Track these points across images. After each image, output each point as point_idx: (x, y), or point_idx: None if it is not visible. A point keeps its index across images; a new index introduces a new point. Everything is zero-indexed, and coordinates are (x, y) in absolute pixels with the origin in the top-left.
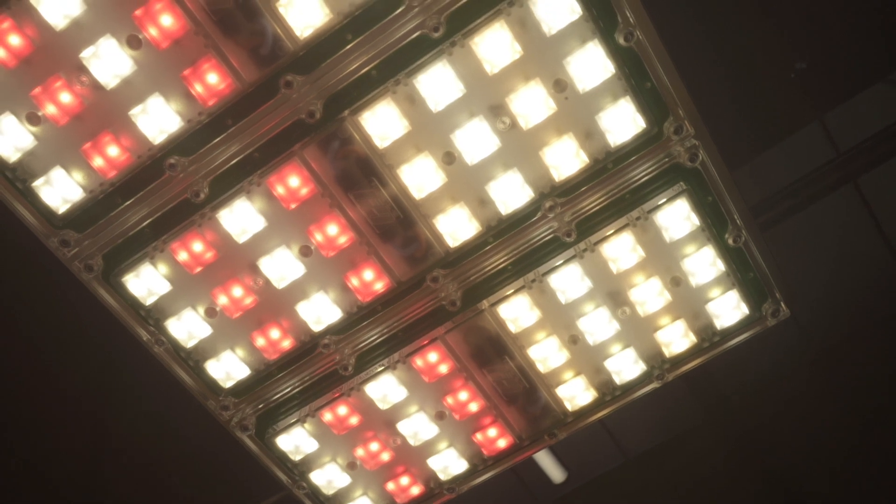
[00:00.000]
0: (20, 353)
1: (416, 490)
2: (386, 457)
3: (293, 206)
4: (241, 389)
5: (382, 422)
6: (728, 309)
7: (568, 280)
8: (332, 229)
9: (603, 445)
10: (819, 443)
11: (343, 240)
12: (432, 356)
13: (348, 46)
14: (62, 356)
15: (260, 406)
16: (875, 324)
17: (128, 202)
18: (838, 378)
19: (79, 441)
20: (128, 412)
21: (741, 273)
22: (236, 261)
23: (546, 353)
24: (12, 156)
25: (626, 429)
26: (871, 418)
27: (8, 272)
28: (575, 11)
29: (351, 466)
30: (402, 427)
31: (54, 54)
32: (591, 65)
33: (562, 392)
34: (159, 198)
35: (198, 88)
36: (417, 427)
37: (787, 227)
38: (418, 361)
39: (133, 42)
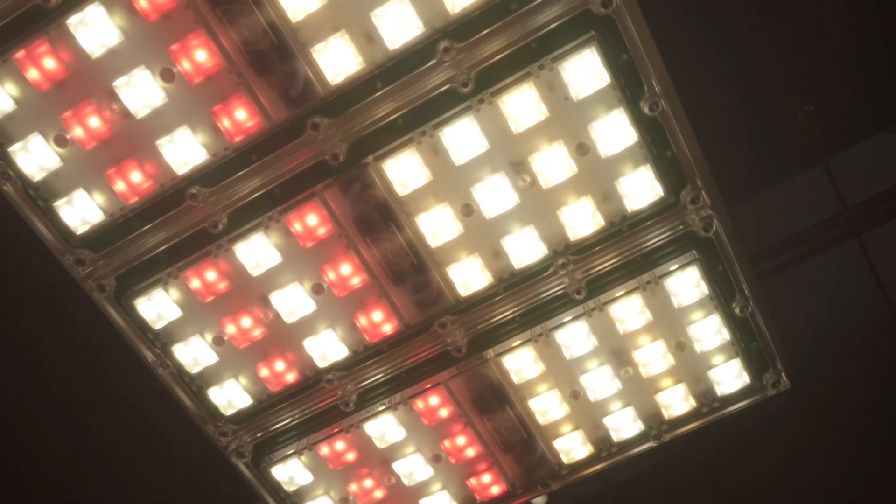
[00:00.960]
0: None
1: None
2: (379, 494)
3: (309, 244)
4: (241, 417)
5: (378, 460)
6: (730, 377)
7: (574, 336)
8: (346, 269)
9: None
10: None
11: (356, 281)
12: (434, 400)
13: (377, 94)
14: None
15: (258, 434)
16: (868, 377)
17: (146, 227)
18: (829, 428)
19: (60, 441)
20: (112, 413)
21: (745, 342)
22: (248, 293)
23: (546, 406)
24: (36, 174)
25: None
26: (860, 466)
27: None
28: (603, 79)
29: (343, 501)
30: (398, 466)
31: (87, 80)
32: (615, 131)
33: (559, 445)
34: (177, 225)
35: (226, 123)
36: (413, 468)
37: (786, 275)
38: (419, 404)
39: (166, 75)
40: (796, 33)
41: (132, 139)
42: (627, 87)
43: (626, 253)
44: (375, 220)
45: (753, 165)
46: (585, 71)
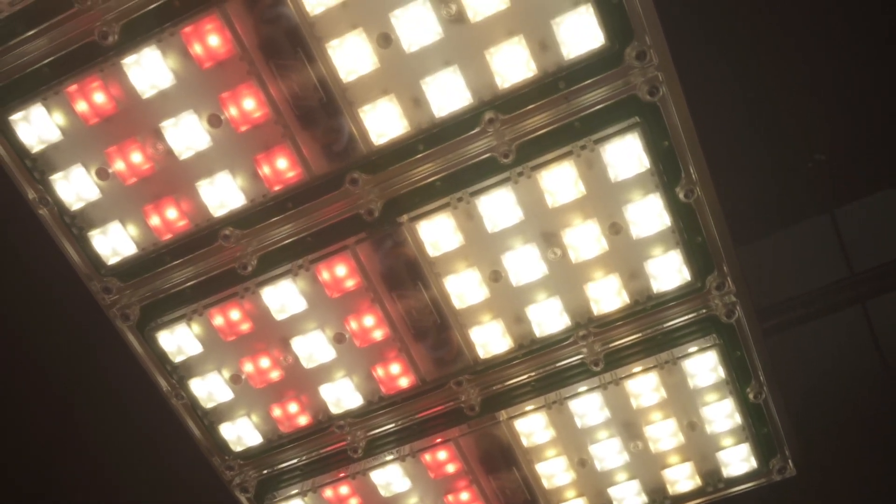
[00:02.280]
0: None
1: None
2: None
3: (336, 294)
4: (249, 454)
5: None
6: (737, 460)
7: (588, 407)
8: (369, 321)
9: None
10: None
11: (378, 333)
12: (442, 454)
13: (418, 156)
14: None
15: (264, 472)
16: (860, 444)
17: (175, 262)
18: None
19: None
20: (99, 405)
21: (756, 427)
22: (270, 335)
23: (553, 471)
24: (74, 203)
25: None
26: None
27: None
28: (643, 164)
29: None
30: None
31: (135, 119)
32: (649, 214)
33: None
34: (207, 263)
35: (266, 171)
36: None
37: (783, 336)
38: (427, 457)
39: (213, 120)
40: (812, 83)
41: (173, 178)
42: (665, 172)
43: (647, 330)
44: (403, 277)
45: (759, 209)
46: (626, 155)
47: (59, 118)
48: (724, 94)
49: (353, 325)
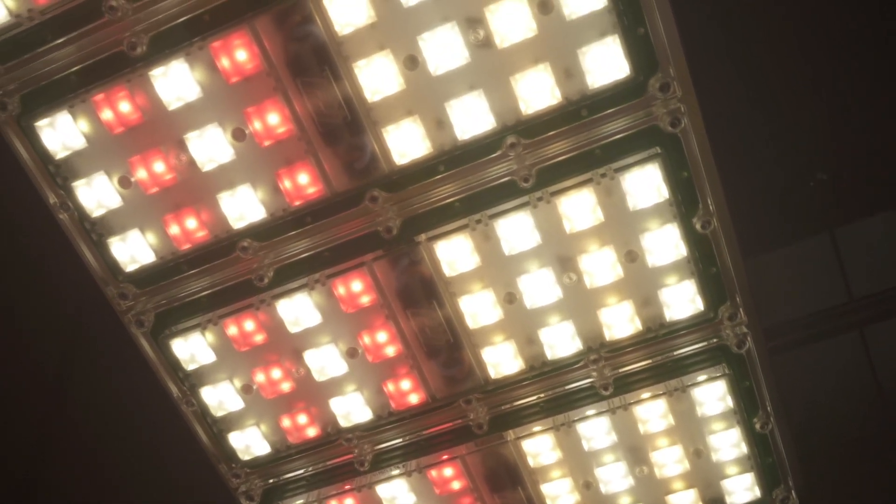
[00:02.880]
0: None
1: None
2: None
3: (351, 309)
4: (257, 463)
5: None
6: (741, 489)
7: (596, 430)
8: (382, 337)
9: None
10: None
11: (390, 350)
12: (448, 471)
13: (438, 176)
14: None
15: (270, 481)
16: (853, 469)
17: (192, 271)
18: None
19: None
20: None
21: (761, 457)
22: (283, 347)
23: (558, 492)
24: (95, 210)
25: None
26: None
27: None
28: (662, 194)
29: None
30: None
31: (160, 129)
32: (666, 244)
33: None
34: (224, 274)
35: (287, 186)
36: None
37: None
38: (433, 473)
39: (238, 134)
40: (819, 105)
41: (194, 189)
42: (684, 203)
43: (658, 357)
44: (418, 296)
45: (760, 226)
46: (646, 184)
47: (84, 126)
48: (730, 108)
49: (367, 340)
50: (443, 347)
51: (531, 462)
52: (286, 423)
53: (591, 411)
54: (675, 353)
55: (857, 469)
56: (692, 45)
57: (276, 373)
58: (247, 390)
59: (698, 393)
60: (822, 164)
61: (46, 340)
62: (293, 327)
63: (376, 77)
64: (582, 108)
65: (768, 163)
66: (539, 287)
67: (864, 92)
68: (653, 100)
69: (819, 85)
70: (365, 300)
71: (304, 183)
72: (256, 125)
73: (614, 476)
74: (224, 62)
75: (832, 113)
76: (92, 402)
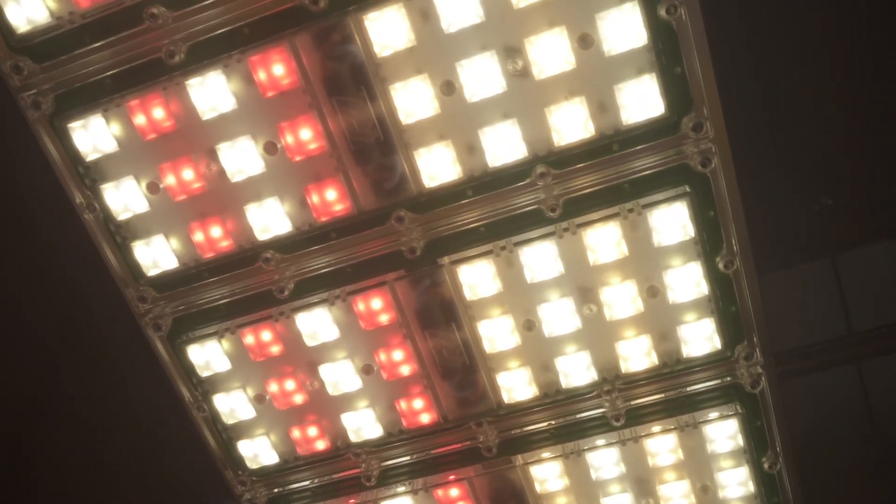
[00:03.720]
0: None
1: None
2: None
3: (369, 327)
4: (264, 472)
5: None
6: None
7: (604, 461)
8: (398, 356)
9: None
10: None
11: (406, 369)
12: (454, 492)
13: (466, 201)
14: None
15: (275, 490)
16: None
17: (213, 279)
18: None
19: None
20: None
21: (767, 496)
22: (299, 360)
23: None
24: (121, 213)
25: None
26: None
27: None
28: (688, 233)
29: None
30: None
31: (192, 138)
32: (688, 282)
33: None
34: (244, 283)
35: (315, 201)
36: None
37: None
38: (439, 493)
39: (270, 147)
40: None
41: (222, 199)
42: (708, 241)
43: (671, 392)
44: (437, 317)
45: (761, 245)
46: (672, 222)
47: (116, 130)
48: (746, 130)
49: (383, 357)
50: (458, 369)
51: (538, 488)
52: (296, 434)
53: (601, 441)
54: (689, 388)
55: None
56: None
57: (290, 384)
58: (259, 400)
59: (709, 430)
60: (829, 189)
61: (58, 333)
62: (310, 341)
63: (412, 100)
64: (614, 143)
65: (776, 184)
66: (559, 316)
67: (878, 119)
68: (685, 138)
69: (836, 109)
70: (384, 318)
71: (331, 199)
72: (289, 139)
73: None
74: (261, 76)
75: (846, 138)
76: (100, 401)
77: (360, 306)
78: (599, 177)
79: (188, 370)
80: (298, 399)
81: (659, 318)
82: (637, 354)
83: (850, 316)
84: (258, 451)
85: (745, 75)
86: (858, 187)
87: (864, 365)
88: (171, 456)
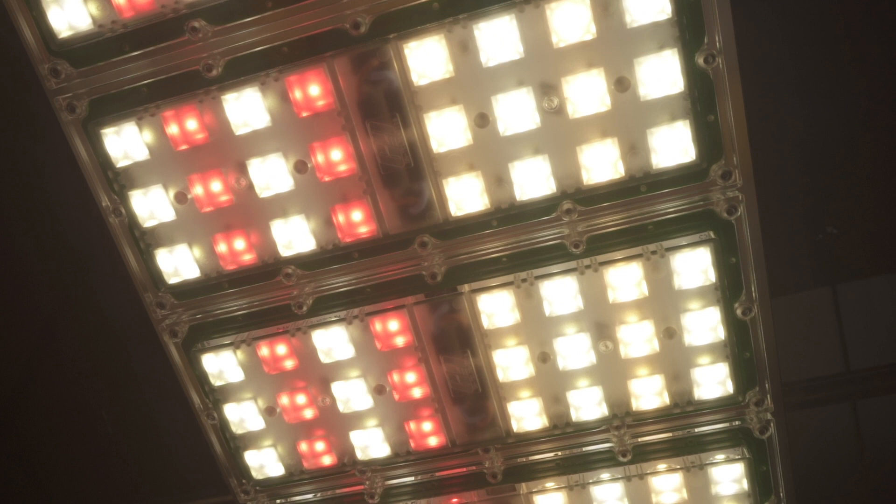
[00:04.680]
0: None
1: None
2: None
3: (385, 348)
4: (268, 484)
5: None
6: None
7: (608, 495)
8: (411, 378)
9: None
10: None
11: (418, 391)
12: None
13: (490, 231)
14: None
15: (278, 501)
16: None
17: (233, 290)
18: None
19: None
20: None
21: None
22: (312, 375)
23: None
24: (147, 220)
25: None
26: None
27: None
28: (709, 278)
29: None
30: None
31: (223, 151)
32: (705, 326)
33: None
34: (263, 297)
35: (341, 221)
36: None
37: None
38: None
39: (300, 166)
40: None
41: (248, 213)
42: (728, 287)
43: (679, 431)
44: (453, 343)
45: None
46: (694, 266)
47: (148, 138)
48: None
49: (396, 378)
50: (470, 395)
51: None
52: (303, 447)
53: (606, 475)
54: (697, 430)
55: None
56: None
57: (302, 399)
58: (270, 412)
59: (715, 472)
60: (834, 218)
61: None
62: (325, 357)
63: (445, 129)
64: (642, 185)
65: (784, 212)
66: (574, 350)
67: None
68: (712, 185)
69: (849, 141)
70: (400, 341)
71: (357, 220)
72: (319, 159)
73: None
74: (297, 95)
75: (853, 167)
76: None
77: (378, 327)
78: (625, 216)
79: (201, 378)
80: (309, 414)
81: (673, 360)
82: (649, 393)
83: (847, 349)
84: (264, 462)
85: (775, 120)
86: (863, 219)
87: (859, 403)
88: (167, 427)
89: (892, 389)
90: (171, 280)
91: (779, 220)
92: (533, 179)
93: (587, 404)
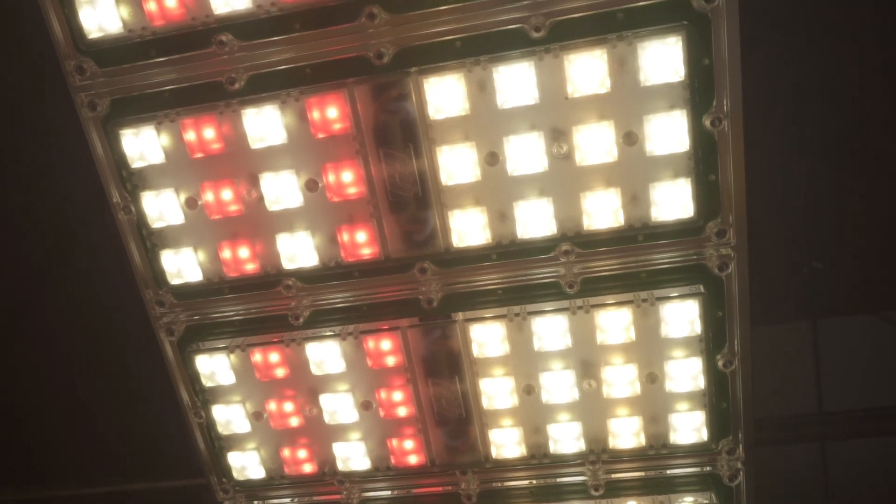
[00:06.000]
0: None
1: None
2: None
3: (375, 366)
4: (249, 486)
5: None
6: None
7: None
8: (398, 397)
9: None
10: None
11: (403, 411)
12: None
13: (488, 263)
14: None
15: (254, 502)
16: None
17: (232, 295)
18: None
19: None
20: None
21: None
22: (302, 385)
23: None
24: (156, 221)
25: None
26: None
27: None
28: (694, 329)
29: None
30: None
31: (238, 163)
32: (687, 374)
33: None
34: (261, 305)
35: (345, 240)
36: None
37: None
38: None
39: (311, 184)
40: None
41: (256, 224)
42: (713, 339)
43: (651, 471)
44: (442, 367)
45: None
46: (682, 317)
47: (166, 142)
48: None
49: (383, 396)
50: (453, 419)
51: None
52: (286, 453)
53: None
54: (669, 471)
55: None
56: None
57: (289, 406)
58: (257, 417)
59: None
60: (821, 253)
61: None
62: (316, 369)
63: (456, 164)
64: (640, 234)
65: (769, 242)
66: (559, 386)
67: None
68: (707, 241)
69: (840, 186)
70: (391, 360)
71: (361, 241)
72: (330, 179)
73: None
74: (315, 116)
75: (846, 207)
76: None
77: (370, 345)
78: (620, 262)
79: (192, 377)
80: (294, 422)
81: (653, 404)
82: (626, 433)
83: (822, 388)
84: (246, 464)
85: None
86: (850, 258)
87: (830, 445)
88: (147, 403)
89: (864, 434)
90: (174, 281)
91: (766, 248)
92: (535, 219)
93: (566, 438)
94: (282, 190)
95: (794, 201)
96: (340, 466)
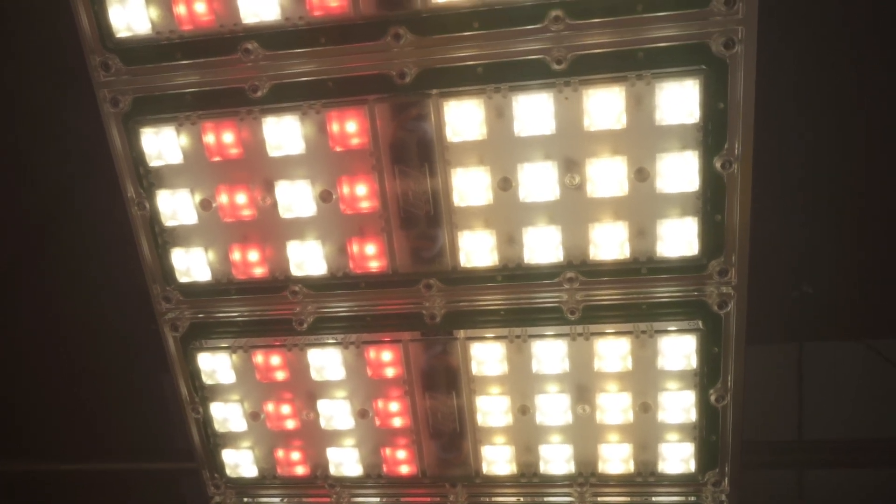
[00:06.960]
0: None
1: None
2: None
3: (375, 376)
4: (240, 484)
5: None
6: None
7: None
8: (395, 407)
9: None
10: None
11: (399, 421)
12: None
13: (493, 284)
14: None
15: (245, 500)
16: None
17: (238, 297)
18: None
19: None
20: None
21: None
22: (300, 389)
23: None
24: (169, 220)
25: None
26: None
27: None
28: (690, 364)
29: None
30: None
31: (254, 168)
32: (679, 407)
33: None
34: (266, 308)
35: (354, 252)
36: None
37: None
38: None
39: (325, 195)
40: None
41: (268, 230)
42: (707, 375)
43: (637, 498)
44: (440, 382)
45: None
46: (679, 351)
47: (185, 143)
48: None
49: (380, 405)
50: (447, 433)
51: None
52: (280, 455)
53: None
54: (655, 498)
55: None
56: None
57: (286, 409)
58: (254, 417)
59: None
60: (811, 278)
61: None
62: (316, 375)
63: (469, 186)
64: (644, 267)
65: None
66: (553, 408)
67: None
68: (709, 279)
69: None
70: (390, 372)
71: (370, 254)
72: (345, 191)
73: None
74: (334, 129)
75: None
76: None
77: (371, 355)
78: (622, 293)
79: (193, 373)
80: (290, 424)
81: (644, 432)
82: (616, 459)
83: (803, 415)
84: (240, 462)
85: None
86: (840, 284)
87: (807, 473)
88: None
89: (841, 465)
90: (182, 279)
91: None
92: (543, 245)
93: (556, 459)
94: (296, 198)
95: (793, 239)
96: (332, 471)
